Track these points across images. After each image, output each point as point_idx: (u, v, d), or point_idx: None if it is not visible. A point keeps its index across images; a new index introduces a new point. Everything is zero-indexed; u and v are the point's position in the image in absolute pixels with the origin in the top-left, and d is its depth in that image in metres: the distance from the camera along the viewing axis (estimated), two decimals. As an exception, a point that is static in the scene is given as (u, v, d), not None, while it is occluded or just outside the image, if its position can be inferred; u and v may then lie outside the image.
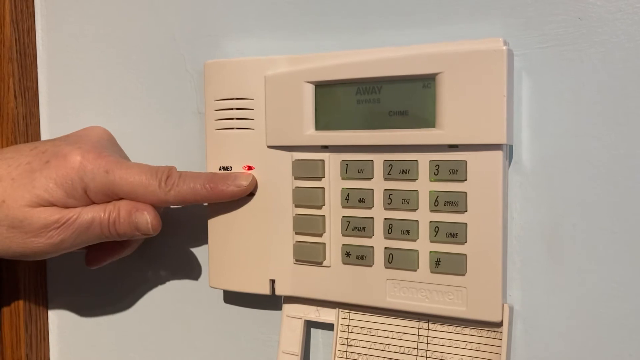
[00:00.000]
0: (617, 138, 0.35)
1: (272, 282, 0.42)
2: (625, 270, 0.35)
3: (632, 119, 0.34)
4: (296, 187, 0.41)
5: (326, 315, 0.42)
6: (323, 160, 0.40)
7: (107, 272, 0.54)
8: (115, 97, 0.52)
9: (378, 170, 0.38)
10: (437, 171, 0.36)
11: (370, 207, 0.39)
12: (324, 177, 0.40)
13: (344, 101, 0.39)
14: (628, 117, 0.34)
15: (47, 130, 0.56)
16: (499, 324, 0.36)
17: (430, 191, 0.37)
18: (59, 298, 0.57)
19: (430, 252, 0.37)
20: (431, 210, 0.37)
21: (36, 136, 0.56)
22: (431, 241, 0.37)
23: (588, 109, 0.35)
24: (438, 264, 0.37)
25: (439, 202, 0.37)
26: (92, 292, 0.55)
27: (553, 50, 0.36)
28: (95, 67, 0.53)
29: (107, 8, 0.51)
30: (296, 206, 0.41)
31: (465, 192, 0.36)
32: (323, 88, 0.39)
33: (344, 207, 0.40)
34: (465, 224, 0.36)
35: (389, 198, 0.38)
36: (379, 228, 0.39)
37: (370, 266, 0.39)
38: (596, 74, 0.35)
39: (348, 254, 0.40)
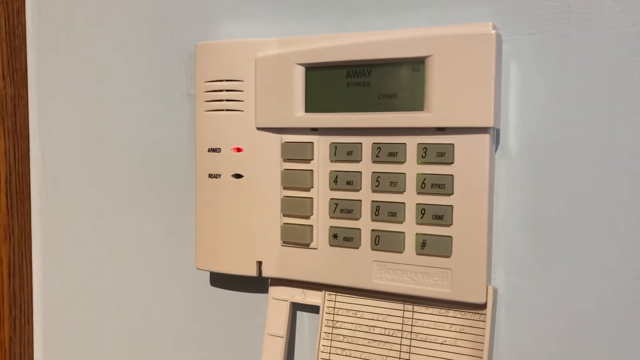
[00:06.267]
0: (602, 124, 0.35)
1: (259, 263, 0.42)
2: (608, 254, 0.35)
3: (618, 105, 0.35)
4: (285, 169, 0.41)
5: (312, 297, 0.42)
6: (312, 142, 0.40)
7: (92, 254, 0.54)
8: (106, 78, 0.52)
9: (367, 152, 0.39)
10: (425, 154, 0.37)
11: (358, 189, 0.39)
12: (312, 160, 0.40)
13: (334, 84, 0.39)
14: (614, 103, 0.35)
15: (36, 111, 0.56)
16: (483, 306, 0.36)
17: (417, 174, 0.37)
18: (43, 281, 0.57)
19: (417, 234, 0.37)
20: (418, 193, 0.37)
21: (24, 117, 0.56)
22: (417, 223, 0.37)
23: (574, 95, 0.36)
24: (424, 245, 0.37)
25: (425, 185, 0.37)
26: (77, 275, 0.55)
27: (541, 36, 0.36)
28: (86, 49, 0.52)
29: (98, -11, 0.51)
30: (284, 188, 0.41)
31: (452, 175, 0.36)
32: (313, 70, 0.40)
33: (332, 189, 0.40)
34: (452, 206, 0.36)
35: (377, 180, 0.38)
36: (366, 210, 0.39)
37: (357, 248, 0.39)
38: (583, 60, 0.35)
39: (335, 236, 0.40)
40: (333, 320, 0.41)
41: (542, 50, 0.36)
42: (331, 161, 0.40)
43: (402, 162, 0.38)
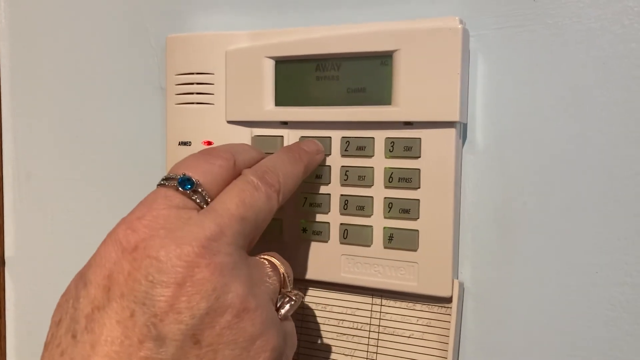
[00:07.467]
0: (569, 118, 0.35)
1: (229, 257, 0.42)
2: (574, 248, 0.36)
3: (585, 100, 0.35)
4: (255, 163, 0.41)
5: (282, 291, 0.42)
6: (282, 136, 0.40)
7: (65, 248, 0.53)
8: (79, 71, 0.51)
9: (336, 146, 0.39)
10: (392, 148, 0.37)
11: (327, 183, 0.39)
12: (282, 153, 0.40)
13: (303, 77, 0.39)
14: (580, 97, 0.35)
15: (8, 103, 0.55)
16: (449, 300, 0.36)
17: (385, 168, 0.37)
18: (16, 276, 0.56)
19: (384, 227, 0.37)
20: (386, 187, 0.37)
21: (-4, 110, 0.55)
22: (385, 217, 0.37)
23: (541, 89, 0.36)
24: (391, 239, 0.37)
25: (393, 179, 0.37)
26: (50, 270, 0.54)
27: (508, 31, 0.36)
28: (59, 41, 0.52)
29: (71, -19, 0.51)
30: (254, 182, 0.41)
31: (419, 169, 0.36)
32: (283, 64, 0.39)
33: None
34: (418, 200, 0.36)
35: (346, 174, 0.38)
36: (335, 204, 0.39)
37: (326, 242, 0.39)
38: (549, 55, 0.35)
39: (305, 230, 0.40)
40: (302, 314, 0.41)
41: (509, 45, 0.36)
42: (301, 155, 0.40)
43: (370, 156, 0.38)
